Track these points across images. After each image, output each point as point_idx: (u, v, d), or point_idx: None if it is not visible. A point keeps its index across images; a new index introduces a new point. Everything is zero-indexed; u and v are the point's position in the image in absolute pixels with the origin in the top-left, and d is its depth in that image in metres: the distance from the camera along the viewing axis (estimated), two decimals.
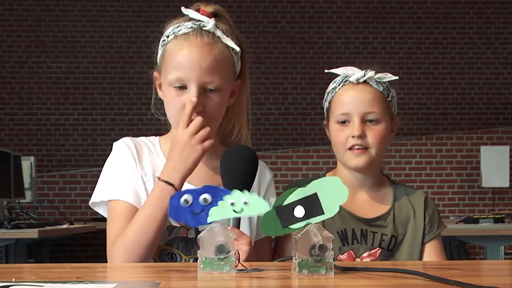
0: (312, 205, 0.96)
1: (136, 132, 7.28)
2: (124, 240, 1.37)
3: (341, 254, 1.60)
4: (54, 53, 7.50)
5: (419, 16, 7.66)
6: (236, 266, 1.00)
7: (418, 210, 1.68)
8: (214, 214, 1.00)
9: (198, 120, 1.38)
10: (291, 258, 0.99)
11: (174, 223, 1.45)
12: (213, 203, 1.00)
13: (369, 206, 1.66)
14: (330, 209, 0.96)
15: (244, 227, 1.45)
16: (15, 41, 7.48)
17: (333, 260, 0.98)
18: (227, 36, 1.44)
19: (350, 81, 1.63)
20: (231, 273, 0.99)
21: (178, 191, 1.02)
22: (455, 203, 6.99)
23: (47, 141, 7.46)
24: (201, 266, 1.00)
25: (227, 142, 1.57)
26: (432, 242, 1.67)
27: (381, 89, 1.62)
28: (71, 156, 7.44)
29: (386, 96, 1.63)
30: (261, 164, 1.37)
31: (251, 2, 7.59)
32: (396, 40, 7.65)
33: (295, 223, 0.97)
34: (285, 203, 0.97)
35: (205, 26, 1.43)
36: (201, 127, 1.38)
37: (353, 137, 1.59)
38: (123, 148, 1.51)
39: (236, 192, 1.00)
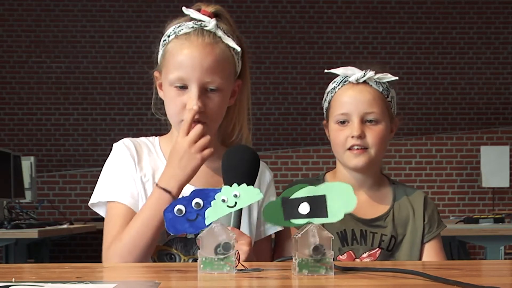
0: (318, 205, 0.96)
1: (136, 132, 7.28)
2: (120, 244, 1.38)
3: (341, 255, 1.60)
4: (54, 53, 7.50)
5: (419, 16, 7.66)
6: (236, 266, 1.00)
7: (417, 210, 1.68)
8: (210, 215, 1.00)
9: (198, 128, 1.38)
10: (291, 258, 0.99)
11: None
12: (206, 205, 1.00)
13: (369, 206, 1.66)
14: (334, 215, 0.96)
15: (244, 227, 1.45)
16: (15, 41, 7.48)
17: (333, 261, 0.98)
18: (228, 36, 1.44)
19: (349, 81, 1.63)
20: (231, 273, 0.99)
21: (170, 203, 1.02)
22: (455, 203, 6.99)
23: (47, 141, 7.46)
24: (201, 266, 1.00)
25: (228, 142, 1.57)
26: (432, 242, 1.67)
27: (380, 90, 1.62)
28: (71, 156, 7.44)
29: (386, 96, 1.63)
30: (261, 164, 1.37)
31: (251, 2, 7.58)
32: (396, 40, 7.65)
33: (297, 218, 0.97)
34: (292, 196, 0.97)
35: (206, 26, 1.43)
36: (201, 136, 1.37)
37: (352, 137, 1.60)
38: (122, 150, 1.51)
39: (226, 188, 1.00)
